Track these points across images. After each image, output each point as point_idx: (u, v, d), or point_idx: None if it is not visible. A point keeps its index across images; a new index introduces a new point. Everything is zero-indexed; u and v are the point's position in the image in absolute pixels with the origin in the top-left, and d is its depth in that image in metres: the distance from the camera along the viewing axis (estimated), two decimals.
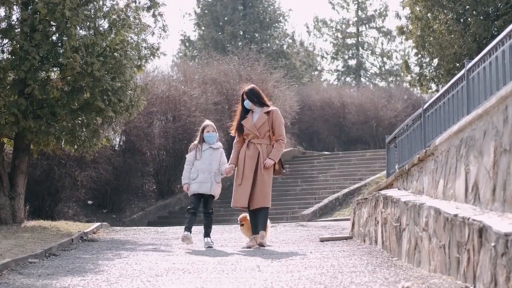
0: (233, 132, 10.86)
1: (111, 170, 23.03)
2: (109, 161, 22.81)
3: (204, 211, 10.92)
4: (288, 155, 31.35)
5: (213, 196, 10.89)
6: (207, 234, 10.78)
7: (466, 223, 5.69)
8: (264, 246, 10.29)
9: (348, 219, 15.19)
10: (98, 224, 14.84)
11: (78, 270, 8.08)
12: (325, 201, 23.39)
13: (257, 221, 10.44)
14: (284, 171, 10.93)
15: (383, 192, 10.42)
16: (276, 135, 10.53)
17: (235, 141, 10.84)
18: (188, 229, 10.68)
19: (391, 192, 9.98)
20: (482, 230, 5.30)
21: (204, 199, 10.88)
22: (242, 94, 10.76)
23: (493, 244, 4.99)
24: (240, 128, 10.69)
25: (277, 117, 10.57)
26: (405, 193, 9.64)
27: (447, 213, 6.26)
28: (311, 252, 9.58)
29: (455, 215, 6.02)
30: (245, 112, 10.74)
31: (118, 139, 24.93)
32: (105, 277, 7.40)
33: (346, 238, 11.86)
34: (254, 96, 10.66)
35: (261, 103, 10.67)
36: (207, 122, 11.25)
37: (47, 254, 9.69)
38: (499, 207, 5.66)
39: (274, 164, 10.52)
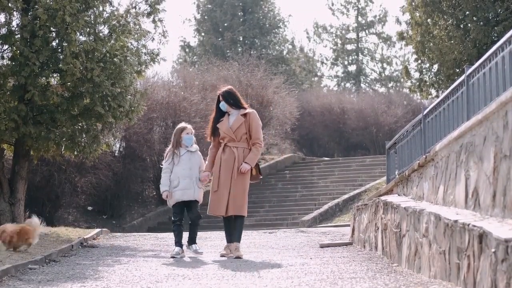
0: (208, 137, 10.33)
1: (111, 176, 23.03)
2: (109, 167, 22.81)
3: (190, 217, 10.39)
4: (288, 161, 31.38)
5: (197, 201, 10.40)
6: (192, 240, 10.35)
7: (466, 229, 5.69)
8: (241, 258, 9.77)
9: (348, 225, 15.18)
10: (98, 230, 14.82)
11: (78, 277, 8.07)
12: (325, 207, 23.37)
13: (235, 231, 9.99)
14: (261, 176, 10.33)
15: (383, 198, 10.41)
16: (253, 138, 10.01)
17: (210, 146, 10.31)
18: (179, 243, 10.28)
19: (391, 198, 9.98)
20: (482, 236, 5.29)
21: (188, 206, 10.39)
22: (218, 96, 10.19)
23: (493, 250, 4.99)
24: (215, 132, 10.17)
25: (254, 119, 10.05)
26: (405, 199, 9.64)
27: (447, 219, 6.26)
28: (311, 258, 9.57)
29: (455, 221, 6.01)
30: (220, 115, 10.20)
31: (118, 145, 24.93)
32: (105, 284, 7.40)
33: (346, 244, 11.84)
34: (230, 98, 10.13)
35: (237, 105, 10.14)
36: (185, 124, 10.65)
37: (47, 260, 9.68)
38: (499, 213, 5.66)
39: (251, 169, 9.97)
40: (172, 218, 10.54)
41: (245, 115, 10.08)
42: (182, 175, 10.30)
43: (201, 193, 10.41)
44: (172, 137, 10.57)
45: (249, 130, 10.03)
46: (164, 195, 10.51)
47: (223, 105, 10.14)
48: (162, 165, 10.68)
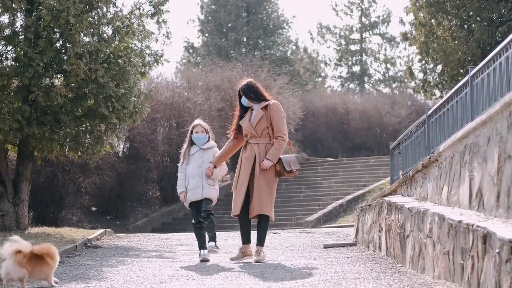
0: (232, 135, 9.71)
1: (115, 177, 23.04)
2: (113, 168, 22.82)
3: (202, 211, 9.64)
4: None
5: (207, 199, 9.68)
6: (211, 238, 9.57)
7: (470, 229, 5.68)
8: (261, 262, 9.13)
9: (352, 226, 15.17)
10: (102, 230, 14.83)
11: (82, 277, 8.08)
12: (329, 207, 23.37)
13: (258, 232, 9.34)
14: (292, 169, 9.34)
15: (387, 198, 10.41)
16: (275, 131, 9.30)
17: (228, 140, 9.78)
18: (203, 247, 9.69)
19: (395, 199, 9.97)
20: (486, 237, 5.29)
21: (199, 205, 9.71)
22: (239, 91, 9.62)
23: (497, 250, 4.98)
24: (239, 129, 9.56)
25: (275, 111, 9.36)
26: (409, 199, 9.64)
27: (451, 220, 6.26)
28: (315, 259, 9.57)
29: (459, 222, 6.01)
30: (244, 110, 9.61)
31: (122, 146, 24.91)
32: (109, 284, 7.40)
33: (350, 245, 11.84)
34: (251, 92, 9.50)
35: (258, 98, 9.48)
36: (197, 121, 10.07)
37: None
38: (503, 214, 5.66)
39: (275, 166, 9.28)
40: (192, 221, 9.88)
41: (265, 107, 9.43)
42: (191, 174, 9.77)
43: (213, 191, 9.78)
44: (188, 134, 10.06)
45: (270, 123, 9.35)
46: (181, 197, 9.87)
47: (244, 100, 9.55)
48: (178, 166, 10.17)
